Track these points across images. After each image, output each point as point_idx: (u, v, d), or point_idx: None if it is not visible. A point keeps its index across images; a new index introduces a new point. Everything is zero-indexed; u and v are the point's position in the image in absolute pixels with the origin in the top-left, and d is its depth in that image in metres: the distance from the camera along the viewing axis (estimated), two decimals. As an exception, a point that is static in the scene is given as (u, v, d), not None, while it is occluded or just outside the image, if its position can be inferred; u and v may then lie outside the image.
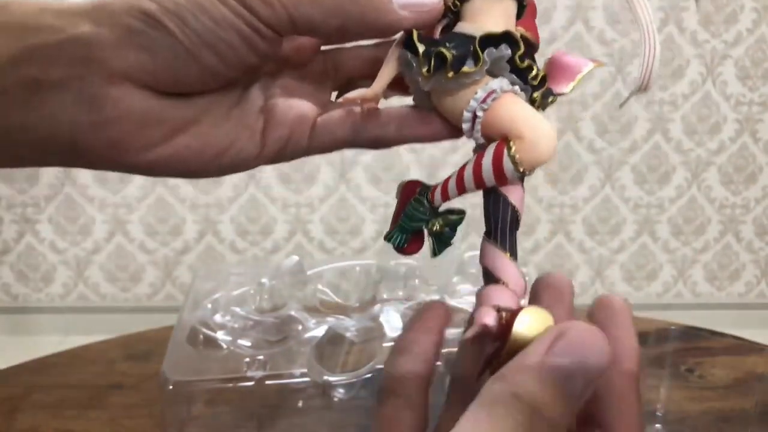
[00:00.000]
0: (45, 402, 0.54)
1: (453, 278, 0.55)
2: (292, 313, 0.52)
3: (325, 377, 0.44)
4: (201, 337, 0.49)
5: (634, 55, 1.59)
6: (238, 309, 0.52)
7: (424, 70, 0.25)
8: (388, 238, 0.28)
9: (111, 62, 0.25)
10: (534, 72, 0.27)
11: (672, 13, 1.57)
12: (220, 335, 0.49)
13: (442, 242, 0.28)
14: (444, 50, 0.25)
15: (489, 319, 0.24)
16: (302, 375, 0.44)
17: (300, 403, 0.46)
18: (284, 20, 0.26)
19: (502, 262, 0.26)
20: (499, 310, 0.24)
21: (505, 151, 0.25)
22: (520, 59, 0.26)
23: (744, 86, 1.63)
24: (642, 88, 0.27)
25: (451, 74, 0.25)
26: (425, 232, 0.28)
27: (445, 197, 0.27)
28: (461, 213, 0.28)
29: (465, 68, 0.25)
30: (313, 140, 0.30)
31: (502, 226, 0.26)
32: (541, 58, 0.28)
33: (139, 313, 1.69)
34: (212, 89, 0.28)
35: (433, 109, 0.29)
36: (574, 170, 1.66)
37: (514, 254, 0.26)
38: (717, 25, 1.58)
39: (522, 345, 0.22)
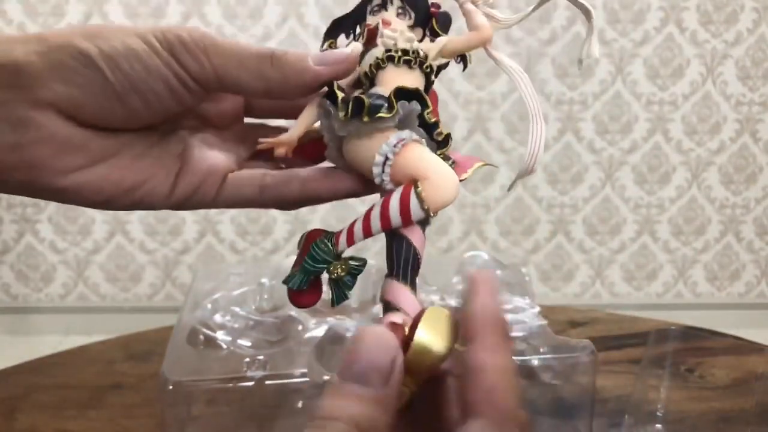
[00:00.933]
0: (45, 402, 0.54)
1: (453, 278, 0.55)
2: (292, 313, 0.51)
3: (325, 377, 0.44)
4: (201, 337, 0.49)
5: (634, 55, 1.59)
6: (238, 309, 0.52)
7: (342, 114, 0.27)
8: (287, 280, 0.29)
9: (38, 90, 0.26)
10: (439, 129, 0.29)
11: (672, 13, 1.57)
12: (220, 335, 0.49)
13: (341, 290, 0.29)
14: (363, 97, 0.27)
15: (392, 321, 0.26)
16: (302, 375, 0.44)
17: (300, 403, 0.46)
18: (211, 78, 0.28)
19: (402, 293, 0.27)
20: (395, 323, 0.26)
21: (413, 190, 0.27)
22: (428, 115, 0.28)
23: (744, 86, 1.63)
24: (527, 171, 0.29)
25: (367, 119, 0.27)
26: (322, 281, 0.29)
27: (351, 241, 0.28)
28: (363, 261, 0.29)
29: (381, 113, 0.27)
30: (220, 194, 0.31)
31: (404, 265, 0.28)
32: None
33: (139, 313, 1.69)
34: (135, 128, 0.29)
35: (342, 165, 0.31)
36: (574, 170, 1.66)
37: (413, 287, 0.28)
38: (717, 24, 1.58)
39: (425, 346, 0.24)
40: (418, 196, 0.27)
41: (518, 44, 1.55)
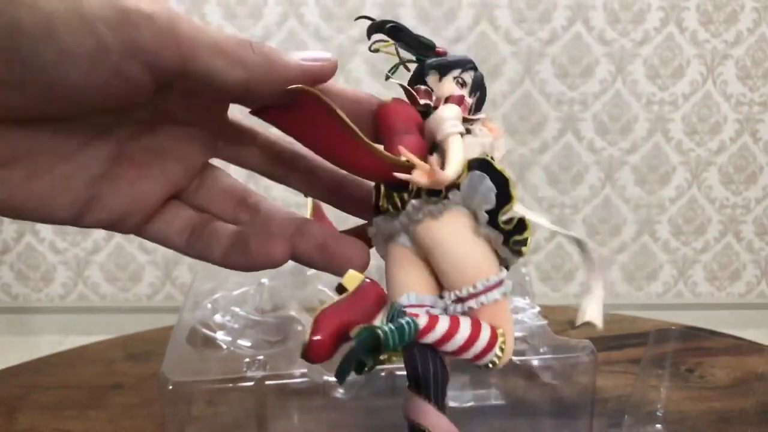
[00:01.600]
0: (45, 402, 0.53)
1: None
2: (292, 313, 0.51)
3: (325, 377, 0.44)
4: (201, 337, 0.49)
5: (634, 55, 1.59)
6: (238, 309, 0.52)
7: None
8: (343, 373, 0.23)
9: None
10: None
11: (672, 12, 1.57)
12: (220, 335, 0.49)
13: (351, 369, 0.23)
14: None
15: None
16: (302, 375, 0.44)
17: (300, 403, 0.46)
18: (174, 63, 0.22)
19: (434, 416, 0.24)
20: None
21: (498, 342, 0.25)
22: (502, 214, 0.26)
23: (744, 86, 1.63)
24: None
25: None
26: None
27: (440, 344, 0.24)
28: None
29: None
30: (141, 232, 0.27)
31: (434, 383, 0.24)
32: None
33: (139, 313, 1.69)
34: (50, 126, 0.23)
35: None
36: (574, 170, 1.66)
37: (444, 407, 0.25)
38: (717, 24, 1.58)
39: None
40: (501, 349, 0.25)
41: (518, 44, 1.55)
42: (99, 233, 1.65)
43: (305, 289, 0.55)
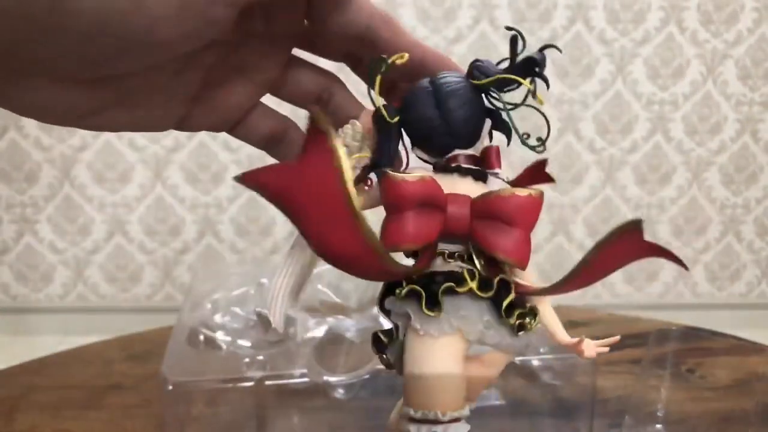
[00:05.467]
0: (44, 402, 0.53)
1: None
2: (292, 313, 0.51)
3: (325, 377, 0.44)
4: (201, 337, 0.49)
5: (634, 54, 1.59)
6: (237, 309, 0.52)
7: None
8: None
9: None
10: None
11: (672, 12, 1.57)
12: (220, 336, 0.49)
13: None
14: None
15: None
16: (302, 375, 0.44)
17: (300, 403, 0.46)
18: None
19: None
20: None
21: None
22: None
23: (745, 86, 1.63)
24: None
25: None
26: None
27: None
28: None
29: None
30: (231, 132, 0.30)
31: None
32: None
33: (139, 313, 1.69)
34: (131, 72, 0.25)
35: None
36: (574, 170, 1.66)
37: None
38: (717, 24, 1.58)
39: None
40: None
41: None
42: (99, 233, 1.65)
43: (305, 289, 0.55)
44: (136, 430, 0.50)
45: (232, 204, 1.63)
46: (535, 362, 0.47)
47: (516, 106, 0.25)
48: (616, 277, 1.74)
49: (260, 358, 0.45)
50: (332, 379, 0.44)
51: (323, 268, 0.56)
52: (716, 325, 0.78)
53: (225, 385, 0.44)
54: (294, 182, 0.19)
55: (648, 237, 0.21)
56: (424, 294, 0.23)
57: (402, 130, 0.26)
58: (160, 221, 1.64)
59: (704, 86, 1.62)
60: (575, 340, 0.25)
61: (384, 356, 0.26)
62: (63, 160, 1.59)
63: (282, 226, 1.65)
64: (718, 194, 1.70)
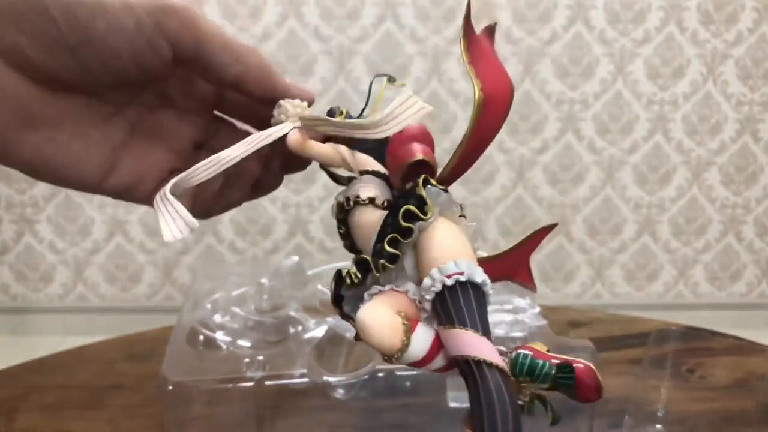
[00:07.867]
0: (44, 402, 0.53)
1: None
2: (292, 313, 0.51)
3: (325, 377, 0.44)
4: (200, 337, 0.49)
5: (634, 54, 1.59)
6: (237, 309, 0.52)
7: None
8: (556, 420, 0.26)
9: None
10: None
11: (673, 12, 1.57)
12: (220, 336, 0.49)
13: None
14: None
15: None
16: (302, 375, 0.44)
17: (300, 403, 0.46)
18: (190, 48, 0.28)
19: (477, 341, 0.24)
20: None
21: None
22: None
23: (745, 86, 1.63)
24: None
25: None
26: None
27: None
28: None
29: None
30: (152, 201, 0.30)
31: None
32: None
33: (139, 313, 1.69)
34: (88, 89, 0.28)
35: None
36: (574, 170, 1.66)
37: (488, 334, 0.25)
38: (718, 24, 1.58)
39: None
40: None
41: (518, 44, 1.55)
42: (99, 233, 1.65)
43: (305, 289, 0.55)
44: (137, 430, 0.50)
45: (232, 204, 1.63)
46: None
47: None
48: (617, 277, 1.74)
49: (260, 358, 0.45)
50: (332, 379, 0.44)
51: (323, 267, 0.56)
52: (716, 325, 0.78)
53: (225, 385, 0.44)
54: None
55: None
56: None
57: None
58: (160, 221, 1.64)
59: (704, 86, 1.62)
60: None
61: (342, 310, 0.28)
62: (63, 160, 1.59)
63: (281, 226, 1.65)
64: (718, 194, 1.70)
